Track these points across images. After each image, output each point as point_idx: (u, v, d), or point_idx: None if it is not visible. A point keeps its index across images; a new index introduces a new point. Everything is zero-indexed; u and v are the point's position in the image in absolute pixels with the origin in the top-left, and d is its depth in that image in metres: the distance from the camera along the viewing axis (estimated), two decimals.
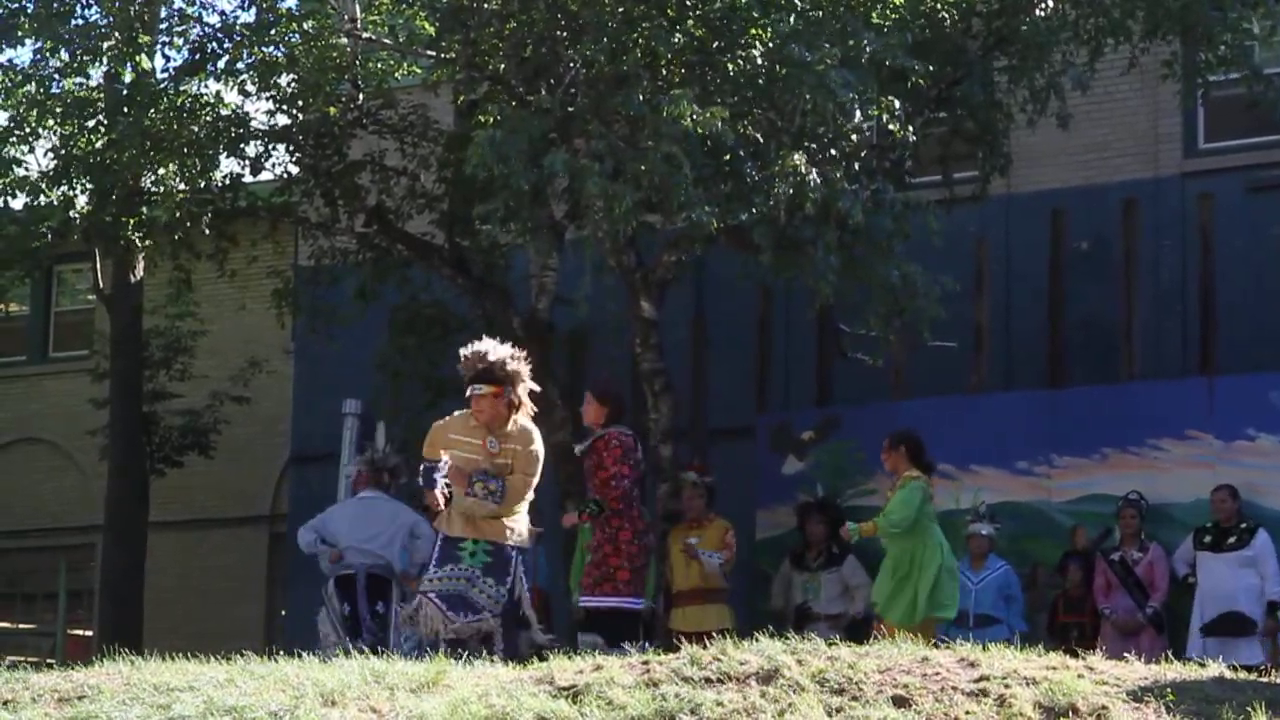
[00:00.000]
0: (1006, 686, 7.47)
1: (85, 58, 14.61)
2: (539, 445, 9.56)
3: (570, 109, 12.61)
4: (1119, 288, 14.54)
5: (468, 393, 9.50)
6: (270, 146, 15.10)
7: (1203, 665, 8.21)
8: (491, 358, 9.45)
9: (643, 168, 11.73)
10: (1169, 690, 7.44)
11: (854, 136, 12.40)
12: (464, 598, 9.47)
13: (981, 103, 13.36)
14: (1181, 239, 15.28)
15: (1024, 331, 15.31)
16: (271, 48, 14.43)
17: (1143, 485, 13.14)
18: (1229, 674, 7.95)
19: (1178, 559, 12.93)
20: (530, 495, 9.65)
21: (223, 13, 14.60)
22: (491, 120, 12.70)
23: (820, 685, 7.53)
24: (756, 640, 8.09)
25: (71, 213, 15.38)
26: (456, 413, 9.68)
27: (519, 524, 9.62)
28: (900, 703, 7.37)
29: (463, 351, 9.57)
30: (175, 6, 14.97)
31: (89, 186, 15.10)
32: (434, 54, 14.03)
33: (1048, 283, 14.83)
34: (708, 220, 11.77)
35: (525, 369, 9.51)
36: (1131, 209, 14.71)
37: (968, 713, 7.28)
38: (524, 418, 9.55)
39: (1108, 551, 13.04)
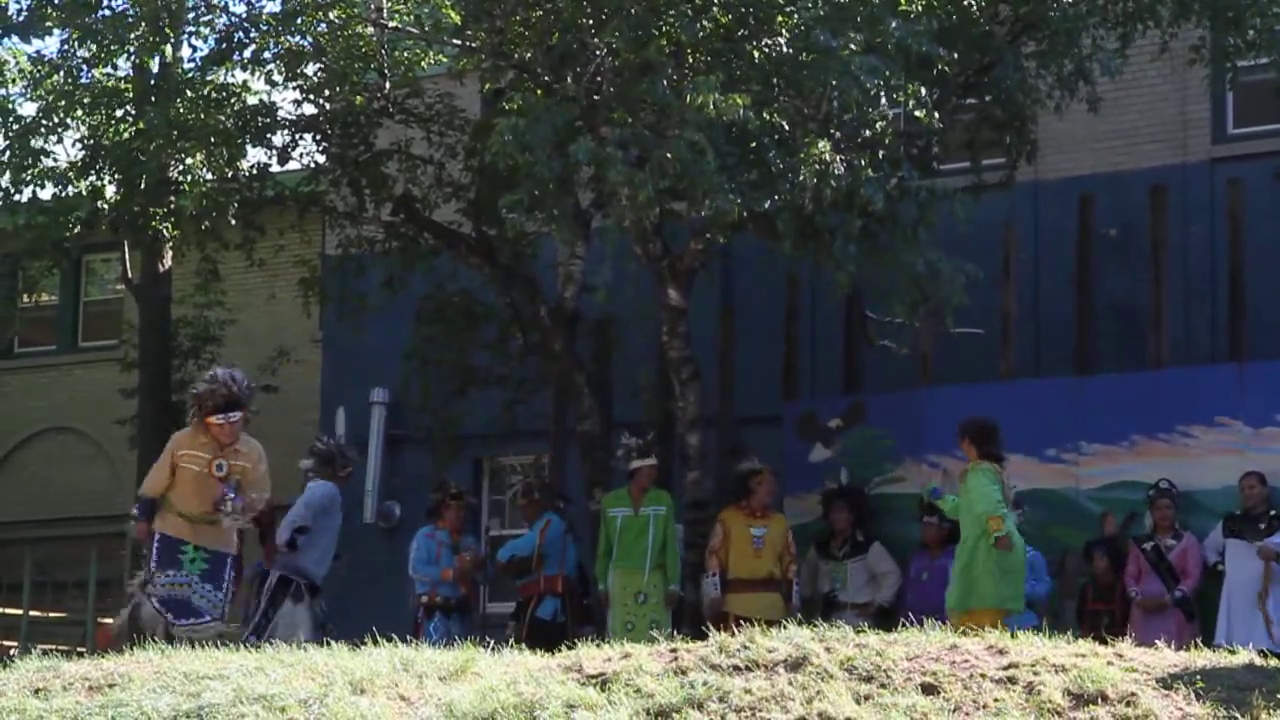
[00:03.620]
0: (1035, 674, 7.46)
1: (112, 48, 14.64)
2: (265, 464, 10.41)
3: (596, 97, 12.60)
4: (1147, 274, 14.45)
5: (218, 420, 10.25)
6: (297, 136, 15.13)
7: (1233, 652, 8.18)
8: (236, 385, 10.24)
9: (668, 155, 11.71)
10: (1198, 677, 7.42)
11: (880, 124, 12.35)
12: (187, 603, 10.10)
13: (1010, 88, 13.30)
14: (1210, 225, 15.20)
15: (1052, 318, 15.25)
16: (298, 37, 14.45)
17: (1172, 472, 13.09)
18: (1259, 661, 7.92)
19: (1208, 546, 12.88)
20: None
21: (249, 2, 14.57)
22: (516, 107, 12.70)
23: (849, 673, 7.53)
24: (785, 628, 8.09)
25: (100, 203, 15.42)
26: (182, 431, 10.34)
27: (233, 533, 10.34)
28: (929, 690, 7.36)
29: (213, 377, 10.33)
30: None
31: (117, 176, 15.14)
32: (460, 42, 14.03)
33: (1075, 269, 14.74)
34: (731, 207, 11.75)
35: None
36: (1160, 195, 14.62)
37: (996, 700, 7.27)
38: (249, 436, 10.41)
39: (1140, 539, 13.00)
